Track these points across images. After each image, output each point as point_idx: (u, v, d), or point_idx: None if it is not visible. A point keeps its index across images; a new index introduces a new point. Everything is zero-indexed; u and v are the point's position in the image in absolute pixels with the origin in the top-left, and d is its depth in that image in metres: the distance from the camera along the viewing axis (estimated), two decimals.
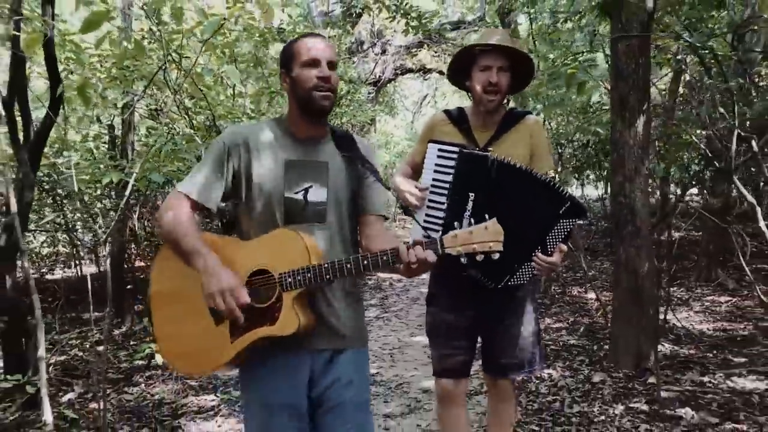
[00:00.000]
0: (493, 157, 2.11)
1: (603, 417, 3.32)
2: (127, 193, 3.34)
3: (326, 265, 1.53)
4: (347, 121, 8.42)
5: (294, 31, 6.65)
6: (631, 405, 3.45)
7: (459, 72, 2.32)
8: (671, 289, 6.61)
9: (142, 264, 6.27)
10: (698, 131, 6.39)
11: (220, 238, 1.71)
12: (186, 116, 4.74)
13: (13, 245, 3.32)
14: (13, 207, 3.04)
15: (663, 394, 3.52)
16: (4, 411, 3.27)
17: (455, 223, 1.50)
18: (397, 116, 20.57)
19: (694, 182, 9.24)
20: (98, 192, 5.93)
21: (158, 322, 1.73)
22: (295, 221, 1.66)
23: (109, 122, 5.56)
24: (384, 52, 11.14)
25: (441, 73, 12.01)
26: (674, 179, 9.39)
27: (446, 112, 2.40)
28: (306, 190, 1.68)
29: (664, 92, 6.80)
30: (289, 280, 1.55)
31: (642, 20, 3.83)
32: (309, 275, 1.53)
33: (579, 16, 3.98)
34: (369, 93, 9.19)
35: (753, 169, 6.39)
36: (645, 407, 3.41)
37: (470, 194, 2.12)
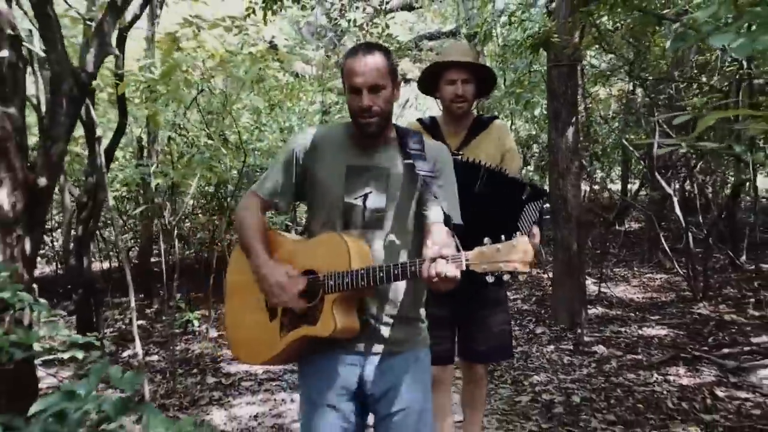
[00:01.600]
0: (465, 159, 2.26)
1: (538, 354, 4.43)
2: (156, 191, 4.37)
3: (362, 272, 1.53)
4: None
5: (292, 50, 7.65)
6: (561, 346, 4.57)
7: (429, 85, 2.49)
8: (616, 269, 7.82)
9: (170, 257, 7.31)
10: (630, 136, 7.58)
11: (281, 237, 1.77)
12: (207, 130, 5.78)
13: (91, 234, 4.35)
14: (67, 206, 4.07)
15: (586, 338, 4.65)
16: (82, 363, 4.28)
17: (485, 239, 1.42)
18: None
19: (638, 179, 10.51)
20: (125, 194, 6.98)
21: (227, 311, 1.83)
22: (353, 226, 1.67)
23: (138, 135, 6.57)
24: None
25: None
26: (620, 176, 10.72)
27: (419, 120, 2.54)
28: (365, 196, 1.68)
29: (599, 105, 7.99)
30: (330, 282, 1.57)
31: (569, 52, 4.95)
32: (347, 280, 1.54)
33: (520, 49, 5.07)
34: None
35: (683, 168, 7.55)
36: (570, 347, 4.53)
37: None
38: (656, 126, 6.08)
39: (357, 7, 9.15)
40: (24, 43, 2.54)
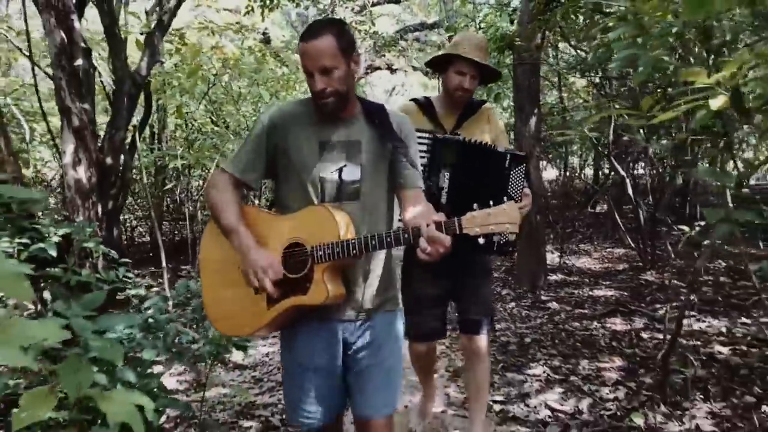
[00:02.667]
0: (462, 138, 2.36)
1: (501, 308, 5.26)
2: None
3: (353, 241, 1.57)
4: None
5: (288, 45, 8.34)
6: (521, 303, 5.40)
7: (437, 65, 2.57)
8: (581, 245, 8.67)
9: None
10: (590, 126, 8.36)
11: (261, 211, 1.80)
12: (213, 118, 6.49)
13: (119, 208, 5.06)
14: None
15: (543, 298, 5.47)
16: None
17: (474, 204, 1.49)
18: None
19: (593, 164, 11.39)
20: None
21: (205, 287, 1.83)
22: (329, 199, 1.71)
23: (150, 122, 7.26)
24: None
25: (406, 70, 13.82)
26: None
27: (415, 100, 2.60)
28: (340, 170, 1.71)
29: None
30: (320, 253, 1.61)
31: (532, 52, 5.71)
32: (338, 249, 1.58)
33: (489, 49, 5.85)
34: None
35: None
36: (529, 304, 5.36)
37: (445, 173, 2.33)
38: (612, 118, 6.87)
39: (346, 7, 9.80)
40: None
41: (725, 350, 3.86)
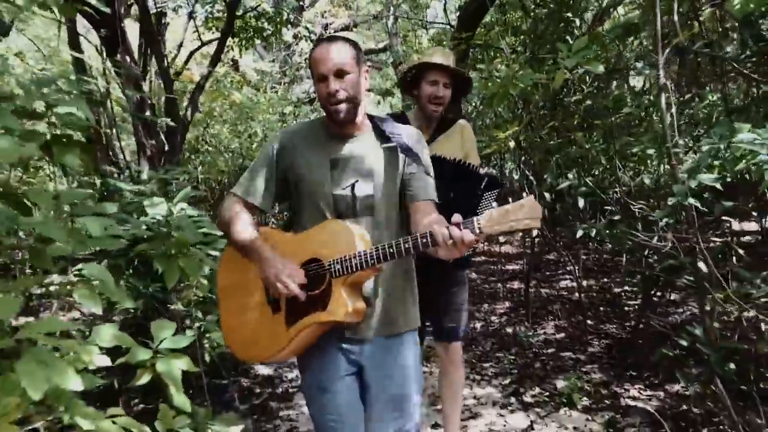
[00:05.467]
0: (434, 154, 2.22)
1: None
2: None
3: (371, 251, 1.56)
4: None
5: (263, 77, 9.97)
6: None
7: (409, 82, 2.60)
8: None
9: None
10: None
11: (276, 232, 1.79)
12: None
13: None
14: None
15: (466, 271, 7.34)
16: None
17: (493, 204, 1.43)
18: None
19: None
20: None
21: (223, 315, 1.82)
22: (344, 216, 1.70)
23: None
24: None
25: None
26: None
27: (390, 115, 2.47)
28: (353, 186, 1.71)
29: None
30: (338, 267, 1.59)
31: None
32: (355, 261, 1.56)
33: None
34: (311, 110, 12.57)
35: None
36: None
37: None
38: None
39: (307, 38, 11.51)
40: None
41: (575, 296, 5.79)
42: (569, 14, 3.61)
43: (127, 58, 4.62)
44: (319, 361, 1.74)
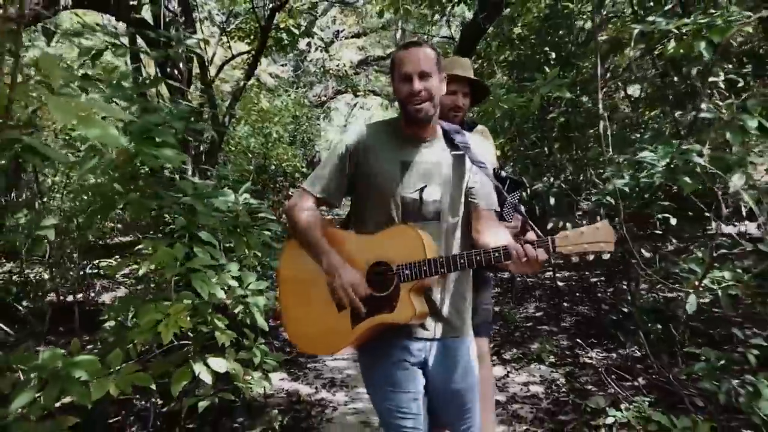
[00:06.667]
0: None
1: None
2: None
3: (441, 260, 1.61)
4: (305, 135, 12.77)
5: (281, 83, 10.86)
6: None
7: None
8: None
9: None
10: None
11: (343, 232, 1.84)
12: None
13: None
14: None
15: None
16: None
17: (567, 225, 1.53)
18: (332, 121, 24.95)
19: None
20: None
21: (286, 305, 1.88)
22: (411, 219, 1.75)
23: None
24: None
25: (366, 93, 16.54)
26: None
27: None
28: (421, 190, 1.75)
29: None
30: (407, 272, 1.65)
31: None
32: (425, 268, 1.62)
33: None
34: (321, 113, 13.53)
35: None
36: None
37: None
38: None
39: (320, 48, 12.39)
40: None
41: (557, 283, 6.65)
42: (546, 48, 4.46)
43: (176, 71, 5.47)
44: (389, 358, 1.79)
